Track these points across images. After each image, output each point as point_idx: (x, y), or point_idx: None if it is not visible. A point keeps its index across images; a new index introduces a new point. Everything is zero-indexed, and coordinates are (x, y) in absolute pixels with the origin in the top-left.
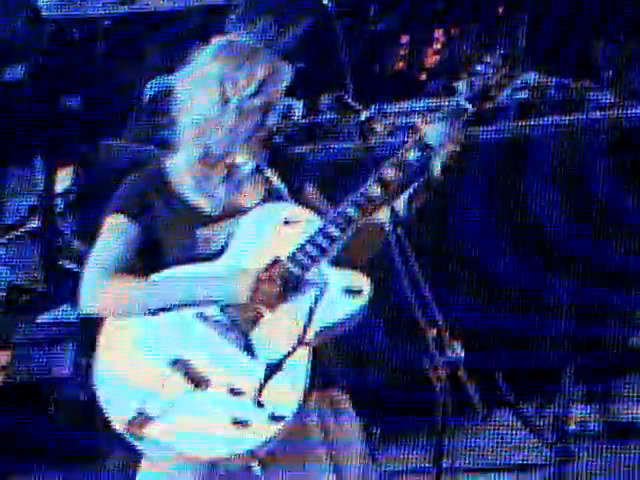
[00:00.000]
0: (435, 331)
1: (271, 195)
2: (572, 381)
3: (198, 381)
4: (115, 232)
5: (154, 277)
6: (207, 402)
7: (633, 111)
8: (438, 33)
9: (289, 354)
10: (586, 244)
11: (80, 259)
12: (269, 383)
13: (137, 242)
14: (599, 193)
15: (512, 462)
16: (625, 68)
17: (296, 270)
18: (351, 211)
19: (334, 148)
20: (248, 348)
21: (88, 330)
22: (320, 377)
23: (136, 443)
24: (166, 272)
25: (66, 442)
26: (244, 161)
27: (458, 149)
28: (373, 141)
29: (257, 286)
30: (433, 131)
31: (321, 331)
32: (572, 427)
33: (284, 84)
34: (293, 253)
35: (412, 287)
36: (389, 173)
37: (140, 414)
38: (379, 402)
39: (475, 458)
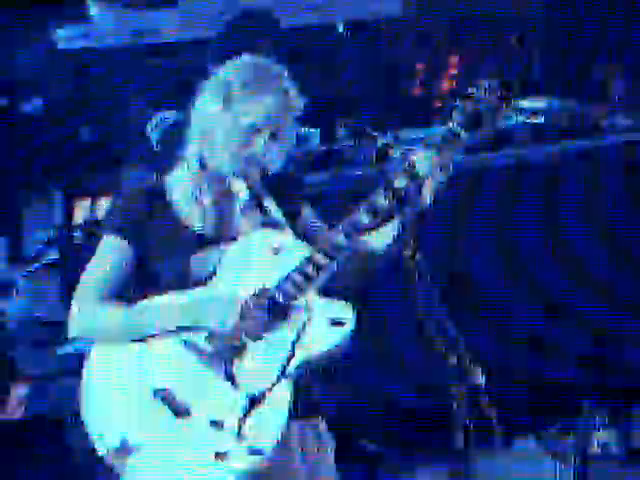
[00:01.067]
0: (456, 357)
1: (267, 221)
2: (593, 406)
3: (179, 411)
4: (108, 255)
5: (141, 305)
6: (188, 432)
7: None
8: (452, 60)
9: (272, 386)
10: (604, 269)
11: None
12: (251, 415)
13: (130, 264)
14: (614, 217)
15: None
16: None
17: (282, 300)
18: (340, 239)
19: (351, 175)
20: (231, 379)
21: None
22: (305, 405)
23: (120, 472)
24: (153, 301)
25: (84, 475)
26: (240, 189)
27: (446, 177)
28: (389, 168)
29: (243, 316)
30: (422, 159)
31: (304, 363)
32: (594, 452)
33: (292, 112)
34: (280, 282)
35: (431, 314)
36: (379, 201)
37: (124, 443)
38: (399, 430)
39: None
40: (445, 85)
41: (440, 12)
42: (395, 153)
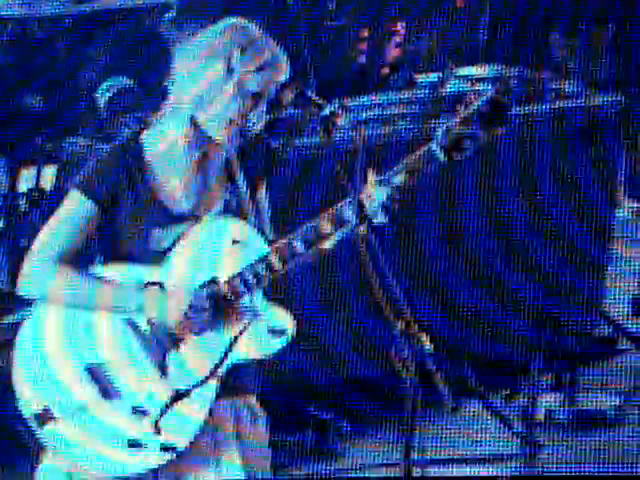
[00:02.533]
0: (403, 324)
1: (232, 202)
2: (539, 371)
3: (108, 391)
4: (73, 212)
5: (94, 273)
6: (110, 415)
7: (595, 101)
8: (398, 27)
9: (199, 384)
10: (554, 234)
11: None
12: (172, 409)
13: (93, 227)
14: (563, 183)
15: (482, 453)
16: (587, 59)
17: (229, 296)
18: (297, 245)
19: (298, 144)
20: (163, 369)
21: None
22: (235, 384)
23: (39, 435)
24: (106, 269)
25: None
26: (221, 150)
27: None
28: (337, 135)
29: (188, 311)
30: (371, 198)
31: (235, 366)
32: (540, 417)
33: (281, 77)
34: (231, 277)
35: (381, 284)
36: (345, 213)
37: (45, 411)
38: (348, 397)
39: (445, 450)
40: (391, 53)
41: None
42: (341, 121)
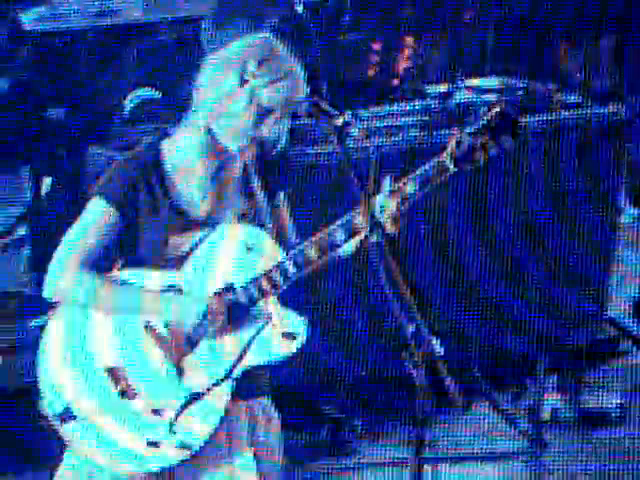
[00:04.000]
0: (414, 326)
1: (250, 212)
2: (545, 372)
3: (126, 391)
4: (94, 219)
5: (114, 278)
6: (128, 414)
7: (599, 111)
8: (408, 40)
9: (213, 386)
10: (558, 242)
11: None
12: (187, 410)
13: (114, 233)
14: (567, 192)
15: (489, 451)
16: (591, 70)
17: (245, 301)
18: (311, 252)
19: (311, 152)
20: (179, 371)
21: None
22: (250, 387)
23: (61, 433)
24: (126, 274)
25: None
26: (236, 159)
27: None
28: (351, 145)
29: (204, 316)
30: (382, 202)
31: (249, 369)
32: (545, 417)
33: (297, 94)
34: (247, 283)
35: (393, 289)
36: (356, 221)
37: (67, 410)
38: (361, 396)
39: (454, 448)
40: (401, 65)
41: None
42: (354, 131)
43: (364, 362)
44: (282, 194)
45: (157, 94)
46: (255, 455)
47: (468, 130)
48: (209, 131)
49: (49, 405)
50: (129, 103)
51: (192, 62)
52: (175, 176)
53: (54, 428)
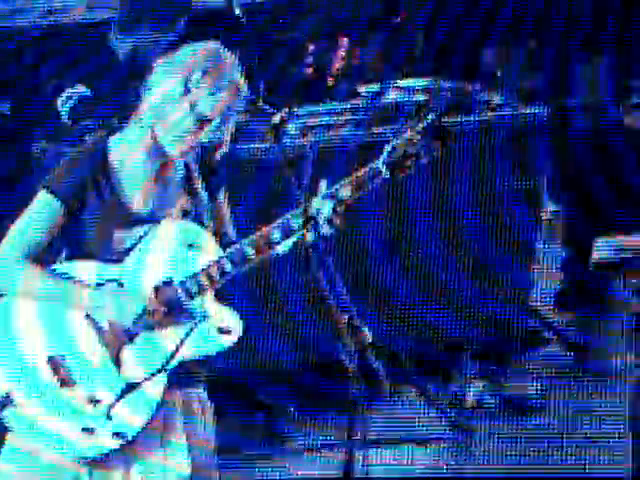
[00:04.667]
0: (347, 318)
1: (191, 211)
2: (470, 361)
3: (65, 380)
4: (39, 211)
5: (56, 271)
6: (66, 402)
7: (522, 111)
8: (342, 41)
9: (149, 377)
10: (485, 235)
11: None
12: (123, 400)
13: (58, 225)
14: (493, 189)
15: (417, 436)
16: (516, 72)
17: (183, 297)
18: (249, 250)
19: (248, 148)
20: (116, 362)
21: None
22: (185, 378)
23: (2, 418)
24: (70, 266)
25: None
26: (178, 164)
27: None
28: (286, 141)
29: (143, 311)
30: (318, 205)
31: (184, 362)
32: (469, 404)
33: (236, 102)
34: (185, 279)
35: (328, 284)
36: (293, 223)
37: (6, 396)
38: (294, 383)
39: (384, 432)
40: (336, 65)
41: None
42: (290, 128)
43: (298, 351)
44: (223, 193)
45: (88, 92)
46: (189, 444)
47: (401, 139)
48: (153, 135)
49: None
50: (66, 100)
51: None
52: (121, 173)
53: None
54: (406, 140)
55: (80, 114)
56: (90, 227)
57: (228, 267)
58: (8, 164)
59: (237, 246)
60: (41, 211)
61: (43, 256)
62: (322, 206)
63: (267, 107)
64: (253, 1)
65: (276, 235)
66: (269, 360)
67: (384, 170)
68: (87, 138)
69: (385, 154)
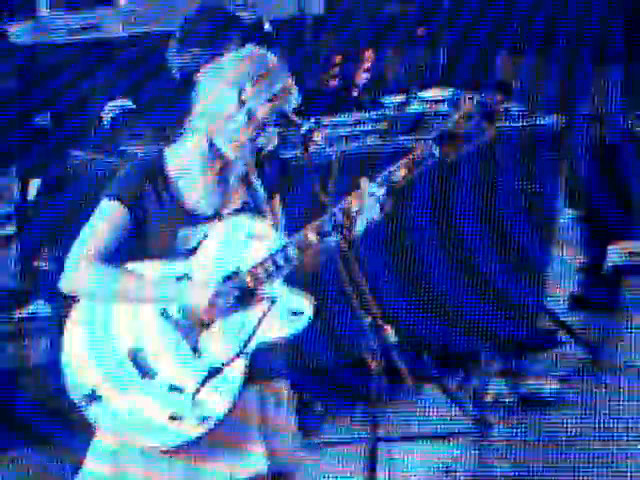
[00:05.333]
0: (370, 318)
1: (250, 203)
2: (489, 359)
3: (147, 371)
4: (107, 218)
5: (128, 269)
6: (151, 392)
7: (541, 121)
8: (367, 54)
9: (229, 362)
10: (505, 239)
11: (50, 260)
12: (207, 385)
13: (125, 230)
14: (512, 194)
15: (439, 431)
16: (533, 82)
17: (252, 284)
18: (311, 236)
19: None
20: (196, 350)
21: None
22: (263, 369)
23: (88, 416)
24: (139, 266)
25: (40, 424)
26: (237, 163)
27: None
28: (314, 150)
29: (214, 298)
30: (367, 207)
31: (261, 344)
32: (489, 400)
33: (290, 106)
34: (253, 267)
35: (352, 284)
36: (351, 205)
37: (93, 392)
38: (322, 382)
39: (407, 428)
40: (360, 77)
41: (357, 9)
42: (318, 137)
43: (326, 350)
44: (279, 194)
45: (132, 105)
46: (264, 432)
47: (450, 121)
48: (210, 140)
49: (74, 388)
50: (108, 112)
51: (165, 74)
52: (179, 180)
53: (80, 410)
54: (455, 122)
55: (121, 125)
56: (155, 230)
57: (293, 254)
58: (52, 173)
59: (299, 233)
60: (107, 217)
61: (113, 259)
62: (377, 190)
63: (295, 118)
64: (282, 17)
65: (339, 218)
66: (300, 358)
67: (435, 149)
68: (136, 150)
69: (436, 133)
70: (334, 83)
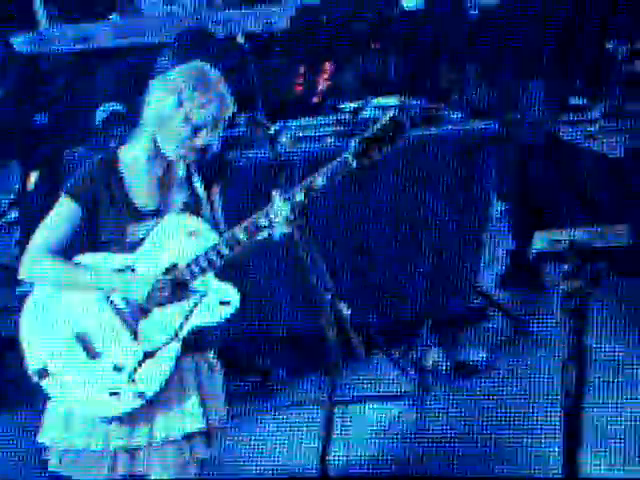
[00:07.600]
0: (329, 295)
1: (191, 202)
2: (428, 332)
3: (92, 353)
4: (59, 212)
5: (78, 261)
6: (96, 371)
7: (477, 125)
8: (327, 65)
9: (164, 345)
10: (442, 229)
11: None
12: (143, 366)
13: (76, 225)
14: (450, 189)
15: (386, 393)
16: (467, 90)
17: (187, 278)
18: (241, 235)
19: (247, 155)
20: (135, 335)
21: None
22: (196, 343)
23: (42, 386)
24: (88, 257)
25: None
26: (178, 164)
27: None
28: (280, 149)
29: (153, 290)
30: (279, 209)
31: (193, 330)
32: (428, 366)
33: (225, 113)
34: (189, 263)
35: (312, 265)
36: (280, 210)
37: (44, 368)
38: (285, 350)
39: (360, 391)
40: (321, 85)
41: (317, 25)
42: (283, 138)
43: (288, 323)
44: (215, 188)
45: (122, 108)
46: (201, 400)
47: (367, 133)
48: (154, 142)
49: (28, 364)
50: (100, 114)
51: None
52: (129, 177)
53: (36, 381)
54: (371, 134)
55: (111, 125)
56: (104, 224)
57: (225, 251)
58: (47, 166)
59: (231, 231)
60: (62, 213)
61: (65, 251)
62: (293, 197)
63: (264, 120)
64: (253, 32)
65: (262, 221)
66: (265, 330)
67: (352, 160)
68: (107, 148)
69: (353, 147)
70: (299, 90)
